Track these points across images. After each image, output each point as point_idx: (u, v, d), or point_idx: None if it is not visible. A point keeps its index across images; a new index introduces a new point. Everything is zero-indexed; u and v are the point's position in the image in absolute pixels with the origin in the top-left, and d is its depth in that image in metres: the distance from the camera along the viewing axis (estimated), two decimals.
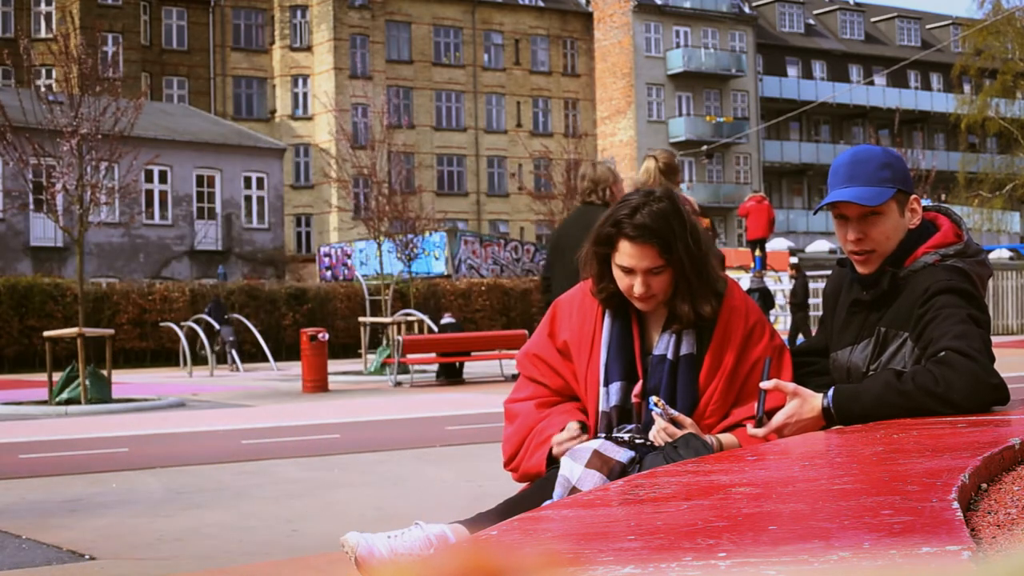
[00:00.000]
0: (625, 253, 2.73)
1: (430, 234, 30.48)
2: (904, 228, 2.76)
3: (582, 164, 6.70)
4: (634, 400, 2.78)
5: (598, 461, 2.59)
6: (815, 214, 2.99)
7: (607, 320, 2.84)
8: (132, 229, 32.71)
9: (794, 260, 26.40)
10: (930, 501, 1.43)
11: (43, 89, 20.67)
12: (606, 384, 2.79)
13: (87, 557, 5.45)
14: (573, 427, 2.74)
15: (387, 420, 12.51)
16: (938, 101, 56.50)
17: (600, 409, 2.79)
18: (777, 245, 34.03)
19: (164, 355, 26.10)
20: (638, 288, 2.73)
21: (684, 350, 2.78)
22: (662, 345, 2.80)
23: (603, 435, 2.74)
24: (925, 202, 2.86)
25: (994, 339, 3.64)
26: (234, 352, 23.14)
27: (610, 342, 2.82)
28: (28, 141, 14.93)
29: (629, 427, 2.76)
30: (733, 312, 2.81)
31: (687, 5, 52.20)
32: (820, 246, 40.32)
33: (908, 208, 2.77)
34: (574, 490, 2.51)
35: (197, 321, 23.83)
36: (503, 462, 2.90)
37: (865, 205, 2.69)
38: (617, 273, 2.78)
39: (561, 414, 2.81)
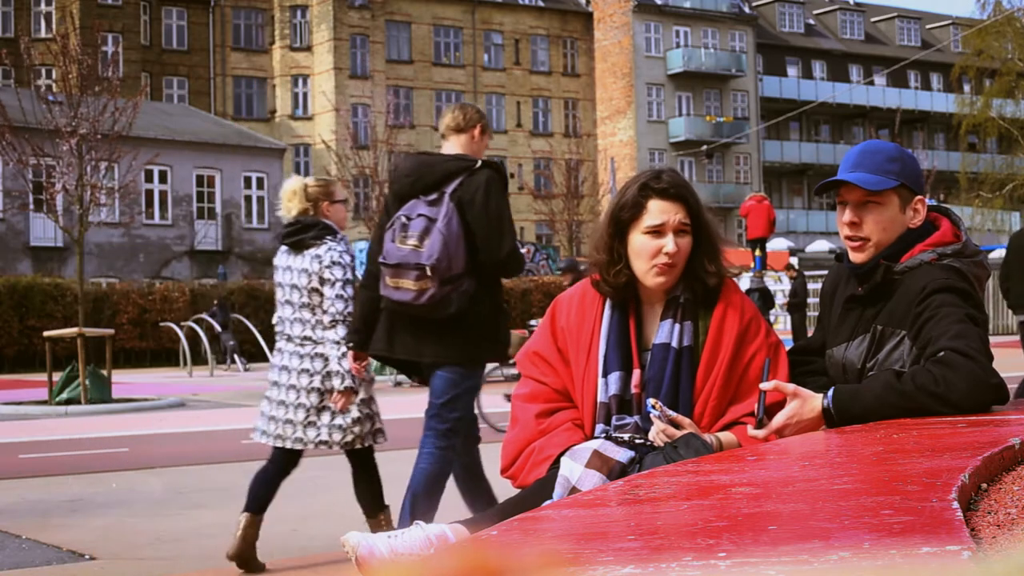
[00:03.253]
0: (656, 211, 2.79)
1: None
2: (903, 225, 2.76)
3: None
4: (634, 391, 2.78)
5: (598, 461, 2.59)
6: (817, 193, 3.03)
7: (607, 312, 2.85)
8: (132, 229, 32.69)
9: (793, 260, 26.35)
10: (930, 501, 1.43)
11: (43, 89, 20.67)
12: (604, 374, 2.79)
13: (87, 557, 5.45)
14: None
15: (387, 420, 12.47)
16: (938, 101, 56.47)
17: (598, 399, 2.79)
18: (777, 245, 34.03)
19: (164, 355, 26.09)
20: (669, 246, 2.76)
21: (685, 342, 2.79)
22: (663, 334, 2.80)
23: (603, 435, 2.74)
24: (928, 202, 2.85)
25: (994, 339, 3.65)
26: (235, 355, 23.26)
27: (609, 333, 2.82)
28: (28, 141, 14.94)
29: (628, 423, 2.75)
30: (729, 308, 2.82)
31: (687, 5, 52.16)
32: (820, 246, 40.29)
33: (911, 207, 2.77)
34: (574, 490, 2.51)
35: (197, 321, 23.83)
36: (500, 468, 2.87)
37: (864, 188, 2.71)
38: (642, 243, 2.79)
39: (560, 432, 2.78)
